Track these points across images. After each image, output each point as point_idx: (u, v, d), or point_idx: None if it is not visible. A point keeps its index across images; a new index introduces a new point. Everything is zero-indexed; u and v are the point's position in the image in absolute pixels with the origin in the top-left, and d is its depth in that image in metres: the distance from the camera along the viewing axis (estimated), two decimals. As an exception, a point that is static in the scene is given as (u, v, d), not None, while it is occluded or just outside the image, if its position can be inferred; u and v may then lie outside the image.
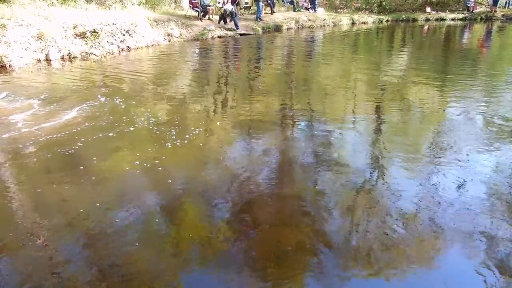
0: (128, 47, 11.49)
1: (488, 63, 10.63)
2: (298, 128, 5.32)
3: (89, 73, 8.76)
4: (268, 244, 2.91)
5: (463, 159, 4.22)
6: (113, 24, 11.32)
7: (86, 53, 10.31)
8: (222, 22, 15.06)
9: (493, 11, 21.29)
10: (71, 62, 9.77)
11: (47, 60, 9.56)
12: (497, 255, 2.75)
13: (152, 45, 12.32)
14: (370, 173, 4.00)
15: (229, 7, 14.78)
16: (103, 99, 6.38)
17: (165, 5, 15.68)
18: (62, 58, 9.89)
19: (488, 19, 20.94)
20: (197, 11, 14.99)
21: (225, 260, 2.76)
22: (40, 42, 9.68)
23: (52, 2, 11.49)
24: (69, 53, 9.99)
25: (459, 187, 3.64)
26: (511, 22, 20.12)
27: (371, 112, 6.03)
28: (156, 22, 13.26)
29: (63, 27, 10.37)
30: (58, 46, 9.89)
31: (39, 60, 9.46)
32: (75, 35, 10.46)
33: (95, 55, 10.37)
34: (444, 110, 6.14)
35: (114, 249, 2.84)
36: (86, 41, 10.51)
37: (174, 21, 13.89)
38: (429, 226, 3.08)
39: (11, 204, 3.41)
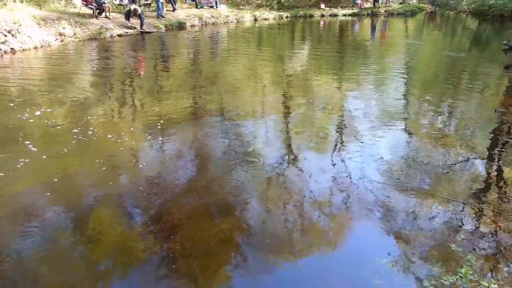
0: (12, 49, 10.22)
1: (377, 54, 11.77)
2: (209, 124, 5.28)
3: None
4: (191, 240, 2.84)
5: (363, 141, 4.62)
6: (-10, 23, 9.95)
7: (-42, 57, 8.91)
8: (126, 20, 14.26)
9: (377, 7, 23.69)
10: None
11: None
12: (397, 224, 3.07)
13: (42, 46, 11.13)
14: (283, 162, 4.15)
15: (138, 7, 14.18)
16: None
17: (53, 2, 14.24)
18: None
19: (373, 14, 23.25)
20: (91, 8, 13.94)
21: (148, 263, 2.62)
22: None
23: None
24: None
25: (363, 167, 3.96)
26: (392, 17, 22.64)
27: (279, 105, 6.26)
28: (44, 20, 11.99)
29: None
30: None
31: None
32: None
33: (-30, 59, 9.02)
34: (343, 100, 6.65)
35: (24, 266, 2.51)
36: (-44, 43, 9.07)
37: (65, 19, 12.71)
38: (340, 205, 3.31)
39: None
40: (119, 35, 13.63)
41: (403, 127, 5.18)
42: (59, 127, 5.07)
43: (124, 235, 2.96)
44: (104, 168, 3.94)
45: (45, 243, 2.85)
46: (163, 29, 15.34)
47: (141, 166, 4.03)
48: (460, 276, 2.35)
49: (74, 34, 12.49)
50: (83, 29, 12.95)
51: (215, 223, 3.08)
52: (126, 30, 14.01)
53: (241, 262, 2.69)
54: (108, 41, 12.77)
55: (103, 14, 14.36)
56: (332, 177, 3.78)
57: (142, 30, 14.31)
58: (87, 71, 8.75)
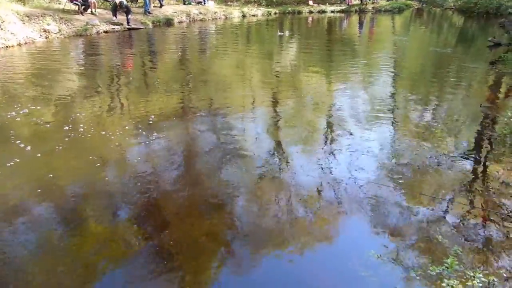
0: (-5, 46, 10.00)
1: (364, 50, 11.84)
2: (200, 121, 5.24)
3: None
4: (181, 238, 2.82)
5: (352, 137, 4.64)
6: (-28, 19, 9.72)
7: None
8: (112, 16, 14.03)
9: (365, 4, 23.82)
10: None
11: None
12: (385, 217, 3.09)
13: (26, 43, 10.91)
14: (272, 159, 4.14)
15: (123, 0, 13.90)
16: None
17: (37, -2, 13.95)
18: None
19: (361, 11, 23.37)
20: (77, 4, 13.70)
21: (138, 260, 2.60)
22: None
23: None
24: None
25: (351, 162, 3.99)
26: (379, 14, 22.78)
27: (269, 101, 6.25)
28: (28, 17, 11.76)
29: None
30: None
31: None
32: None
33: (-49, 56, 8.79)
34: (332, 96, 6.67)
35: (14, 262, 2.46)
36: None
37: (50, 15, 12.48)
38: (329, 200, 3.32)
39: None
40: (106, 32, 13.44)
41: (390, 122, 5.21)
42: (48, 125, 4.99)
43: (115, 231, 2.94)
44: (98, 165, 3.90)
45: (35, 240, 2.81)
46: (151, 25, 15.18)
47: (133, 162, 3.99)
48: (446, 267, 2.37)
49: (59, 30, 12.27)
50: (68, 25, 12.73)
51: (203, 220, 3.07)
52: (113, 27, 13.81)
53: (231, 256, 2.69)
54: (94, 38, 12.59)
55: (89, 10, 14.13)
56: (320, 172, 3.79)
57: (129, 27, 14.13)
58: (73, 68, 8.61)
